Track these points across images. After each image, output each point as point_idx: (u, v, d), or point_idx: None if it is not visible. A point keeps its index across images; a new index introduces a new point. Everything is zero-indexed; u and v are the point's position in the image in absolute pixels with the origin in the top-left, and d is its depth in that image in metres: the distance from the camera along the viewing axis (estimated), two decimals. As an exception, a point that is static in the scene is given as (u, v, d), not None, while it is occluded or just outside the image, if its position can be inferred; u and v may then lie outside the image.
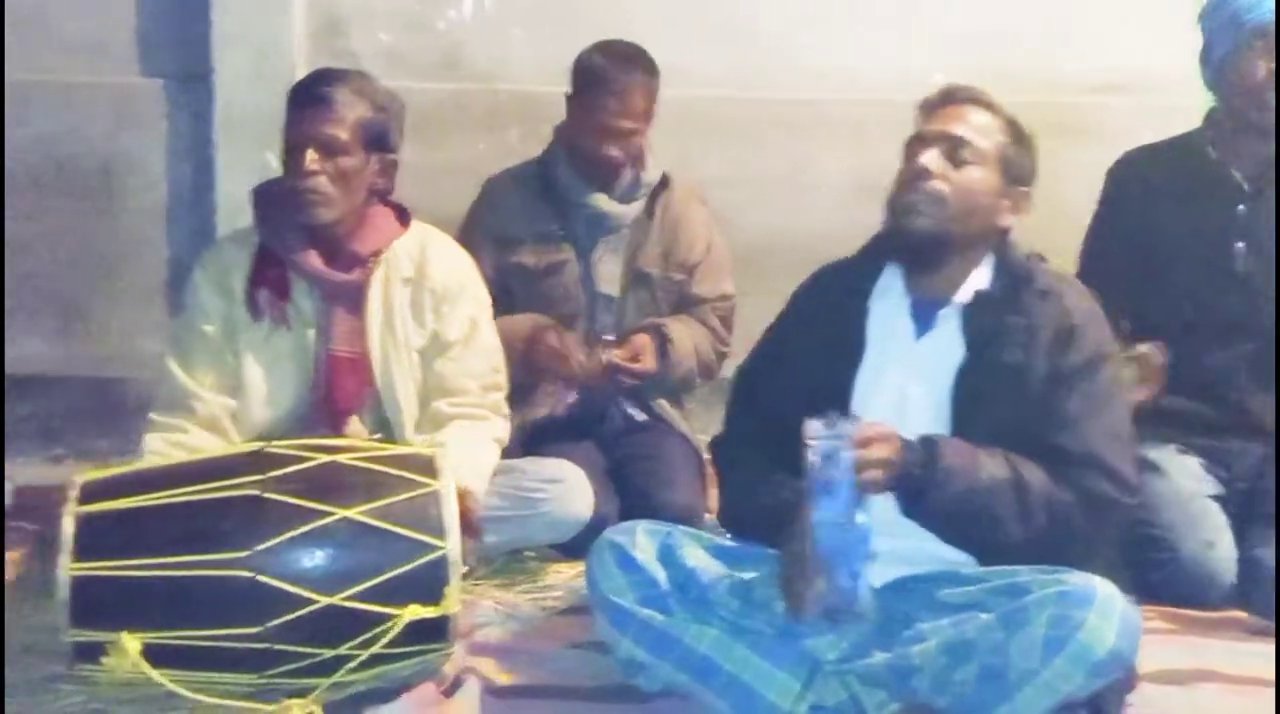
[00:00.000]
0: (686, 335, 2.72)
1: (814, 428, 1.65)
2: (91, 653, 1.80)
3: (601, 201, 2.70)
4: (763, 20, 3.20)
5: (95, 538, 1.80)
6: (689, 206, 2.79)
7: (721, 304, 2.81)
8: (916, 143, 1.89)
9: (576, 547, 2.46)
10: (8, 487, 2.66)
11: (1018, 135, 1.92)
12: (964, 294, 1.89)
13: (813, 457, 1.65)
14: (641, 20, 3.07)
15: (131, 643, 1.76)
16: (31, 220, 3.04)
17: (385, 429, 2.34)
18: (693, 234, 2.78)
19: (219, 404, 2.27)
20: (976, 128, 1.88)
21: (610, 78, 2.63)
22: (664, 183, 2.75)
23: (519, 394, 2.56)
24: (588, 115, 2.64)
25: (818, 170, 3.16)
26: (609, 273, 2.73)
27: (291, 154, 2.25)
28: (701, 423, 2.76)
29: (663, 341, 2.68)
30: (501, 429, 2.41)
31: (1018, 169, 1.91)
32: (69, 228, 3.07)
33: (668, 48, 2.74)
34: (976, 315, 1.87)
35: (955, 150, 1.85)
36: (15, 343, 3.04)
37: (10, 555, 2.48)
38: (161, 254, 3.12)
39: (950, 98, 1.92)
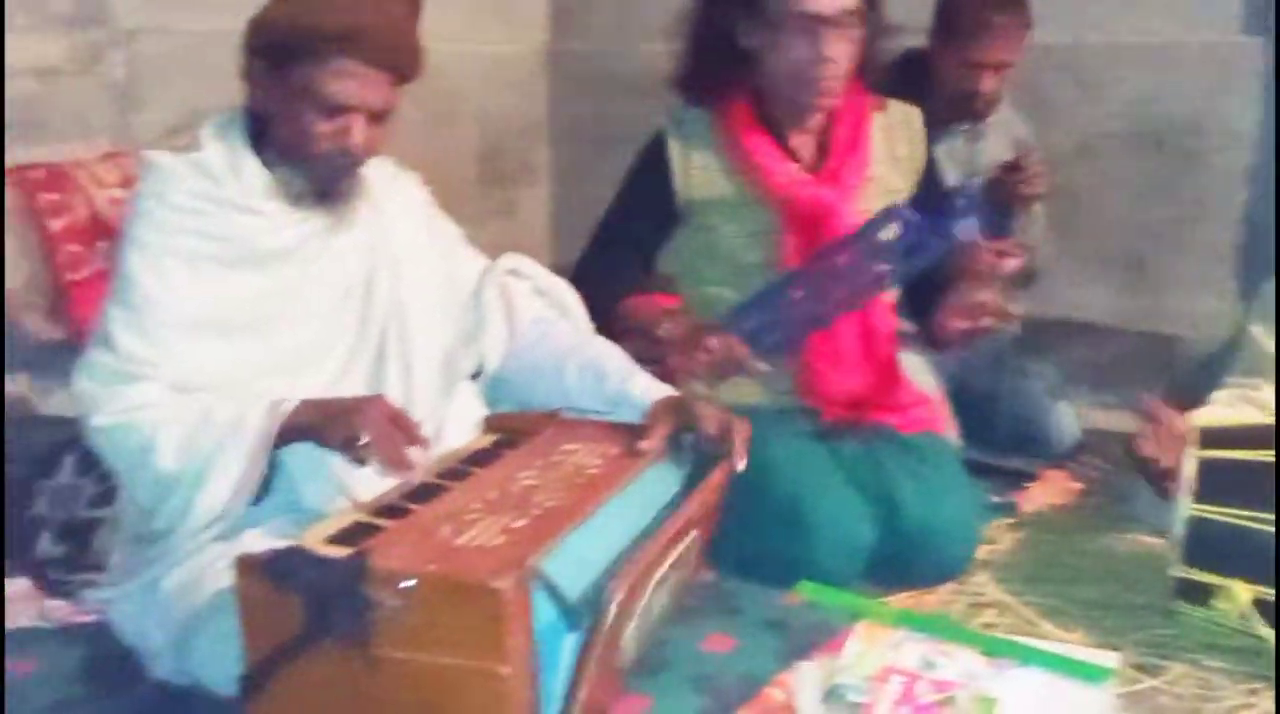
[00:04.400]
0: None
1: None
2: (1196, 593, 1.85)
3: None
4: None
5: (1213, 483, 1.84)
6: None
7: None
8: None
9: None
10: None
11: None
12: None
13: None
14: None
15: (1244, 592, 1.78)
16: (1113, 176, 3.15)
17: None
18: None
19: None
20: None
21: None
22: None
23: None
24: None
25: None
26: None
27: None
28: None
29: None
30: None
31: None
32: (1150, 185, 3.13)
33: None
34: None
35: None
36: (1080, 290, 3.22)
37: (1073, 486, 2.67)
38: (1235, 214, 3.04)
39: None
